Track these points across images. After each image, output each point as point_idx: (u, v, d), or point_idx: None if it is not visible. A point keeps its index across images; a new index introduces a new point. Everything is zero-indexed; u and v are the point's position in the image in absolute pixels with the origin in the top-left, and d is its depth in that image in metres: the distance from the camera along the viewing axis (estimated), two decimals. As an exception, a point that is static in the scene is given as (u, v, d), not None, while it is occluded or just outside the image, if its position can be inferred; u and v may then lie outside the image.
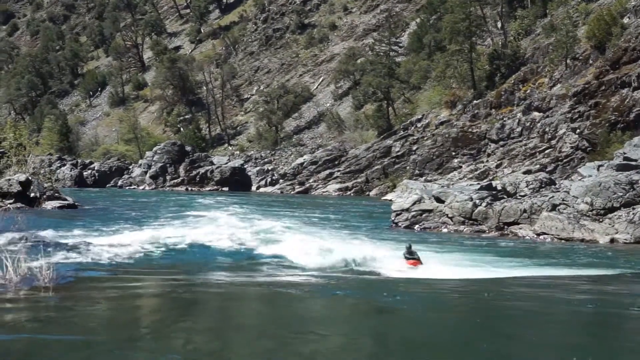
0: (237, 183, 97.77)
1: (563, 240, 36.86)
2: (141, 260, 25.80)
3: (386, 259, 27.86)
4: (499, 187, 45.35)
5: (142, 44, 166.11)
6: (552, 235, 37.64)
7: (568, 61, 73.99)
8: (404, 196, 48.38)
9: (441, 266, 27.13)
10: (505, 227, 40.52)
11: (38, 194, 50.47)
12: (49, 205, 50.73)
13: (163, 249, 28.91)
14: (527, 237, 38.47)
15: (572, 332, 15.03)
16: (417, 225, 43.41)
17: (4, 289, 16.47)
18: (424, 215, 43.89)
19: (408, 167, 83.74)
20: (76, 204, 54.21)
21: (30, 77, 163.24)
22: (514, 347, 12.88)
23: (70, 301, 16.14)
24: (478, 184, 52.20)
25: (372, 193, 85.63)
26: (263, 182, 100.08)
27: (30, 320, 13.84)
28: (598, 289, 22.62)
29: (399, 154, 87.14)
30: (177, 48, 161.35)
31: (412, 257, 27.21)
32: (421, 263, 26.97)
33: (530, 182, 45.13)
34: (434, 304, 18.53)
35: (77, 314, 14.54)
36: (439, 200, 44.52)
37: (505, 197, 43.71)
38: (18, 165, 54.72)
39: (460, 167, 77.11)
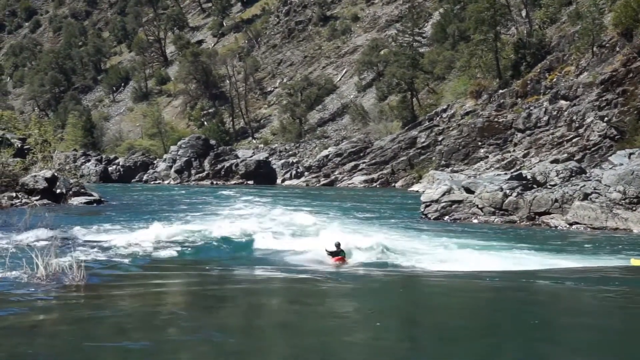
0: (262, 176, 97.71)
1: (596, 230, 36.38)
2: (171, 256, 25.57)
3: (419, 252, 27.58)
4: (528, 177, 44.82)
5: (165, 38, 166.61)
6: (585, 224, 37.15)
7: (594, 49, 73.18)
8: (433, 187, 47.97)
9: (474, 258, 26.73)
10: (537, 217, 40.01)
11: (64, 190, 50.43)
12: (75, 201, 50.64)
13: (192, 243, 28.68)
14: (560, 227, 37.98)
15: (606, 327, 14.54)
16: (446, 217, 43.00)
17: (35, 288, 16.22)
18: (453, 206, 43.43)
19: (434, 158, 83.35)
20: (102, 199, 54.10)
21: (54, 74, 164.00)
22: (544, 345, 12.44)
23: (102, 300, 15.87)
24: (505, 173, 51.76)
25: (398, 184, 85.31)
26: (288, 175, 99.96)
27: (63, 320, 13.57)
28: (635, 279, 22.10)
29: (424, 144, 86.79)
30: (200, 42, 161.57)
31: (337, 253, 26.29)
32: (344, 261, 26.10)
33: (561, 171, 44.58)
34: (466, 298, 18.11)
35: (109, 314, 14.25)
36: (468, 190, 44.07)
37: (535, 186, 43.21)
38: (44, 161, 54.67)
39: (487, 157, 76.53)
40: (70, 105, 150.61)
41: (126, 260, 23.09)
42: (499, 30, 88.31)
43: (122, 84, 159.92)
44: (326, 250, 26.29)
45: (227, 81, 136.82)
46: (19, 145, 58.69)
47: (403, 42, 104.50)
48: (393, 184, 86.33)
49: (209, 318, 14.25)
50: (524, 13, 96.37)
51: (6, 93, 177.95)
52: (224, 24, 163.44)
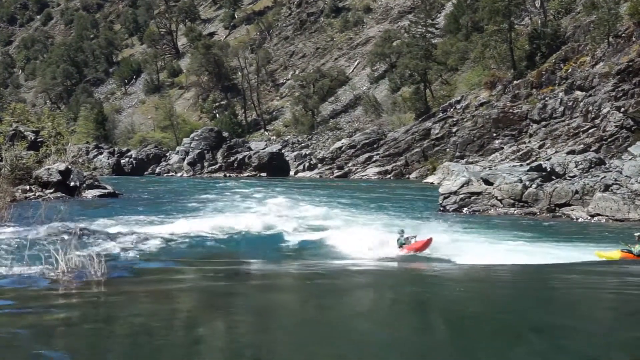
0: (275, 168, 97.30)
1: (618, 222, 35.87)
2: (188, 249, 25.35)
3: (439, 246, 27.17)
4: (547, 168, 44.30)
5: (176, 30, 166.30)
6: (606, 216, 36.69)
7: (610, 39, 72.57)
8: (451, 179, 47.55)
9: (495, 252, 26.35)
10: (557, 208, 39.51)
11: (78, 183, 50.04)
12: (89, 194, 50.22)
13: (209, 237, 28.45)
14: (581, 218, 37.53)
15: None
16: (465, 209, 42.56)
17: (56, 284, 15.86)
18: (472, 198, 42.99)
19: (448, 149, 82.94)
20: (116, 192, 53.69)
21: (66, 66, 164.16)
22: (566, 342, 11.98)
23: (124, 296, 15.46)
24: (521, 164, 51.29)
25: (412, 176, 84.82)
26: (301, 167, 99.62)
27: (85, 319, 13.18)
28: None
29: (438, 136, 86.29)
30: (212, 34, 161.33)
31: (407, 241, 26.13)
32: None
33: (580, 162, 44.12)
34: (486, 293, 17.63)
35: (133, 312, 13.84)
36: (487, 182, 43.63)
37: (554, 178, 42.70)
38: (57, 154, 54.31)
39: (502, 148, 76.08)
40: (82, 98, 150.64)
41: (147, 255, 22.83)
42: (513, 21, 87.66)
43: (134, 77, 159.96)
44: (398, 241, 26.12)
45: (239, 73, 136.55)
46: (32, 138, 58.31)
47: (416, 33, 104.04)
48: (407, 176, 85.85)
49: (233, 315, 13.86)
50: (538, 3, 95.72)
51: (18, 86, 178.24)
52: (236, 16, 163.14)
